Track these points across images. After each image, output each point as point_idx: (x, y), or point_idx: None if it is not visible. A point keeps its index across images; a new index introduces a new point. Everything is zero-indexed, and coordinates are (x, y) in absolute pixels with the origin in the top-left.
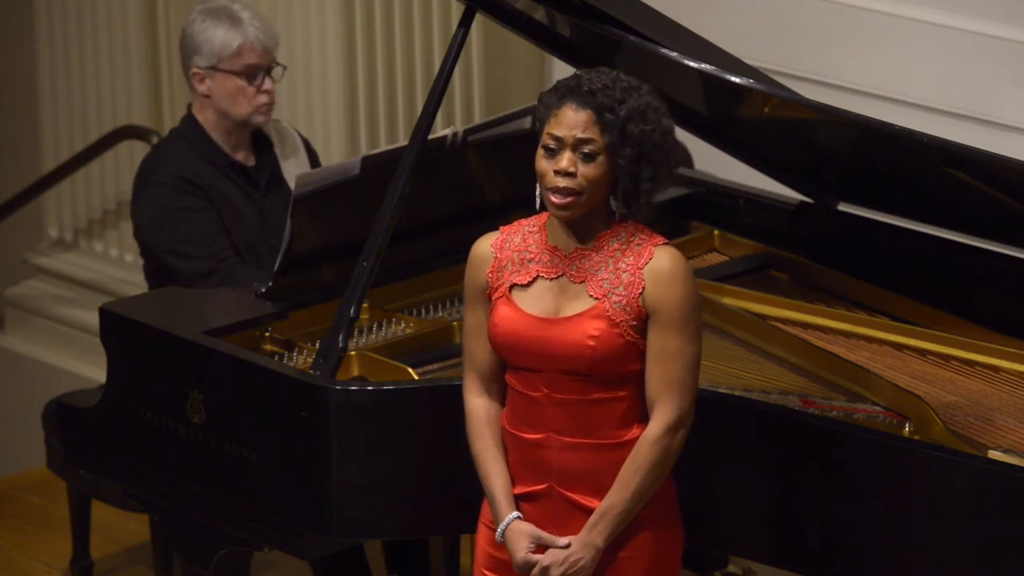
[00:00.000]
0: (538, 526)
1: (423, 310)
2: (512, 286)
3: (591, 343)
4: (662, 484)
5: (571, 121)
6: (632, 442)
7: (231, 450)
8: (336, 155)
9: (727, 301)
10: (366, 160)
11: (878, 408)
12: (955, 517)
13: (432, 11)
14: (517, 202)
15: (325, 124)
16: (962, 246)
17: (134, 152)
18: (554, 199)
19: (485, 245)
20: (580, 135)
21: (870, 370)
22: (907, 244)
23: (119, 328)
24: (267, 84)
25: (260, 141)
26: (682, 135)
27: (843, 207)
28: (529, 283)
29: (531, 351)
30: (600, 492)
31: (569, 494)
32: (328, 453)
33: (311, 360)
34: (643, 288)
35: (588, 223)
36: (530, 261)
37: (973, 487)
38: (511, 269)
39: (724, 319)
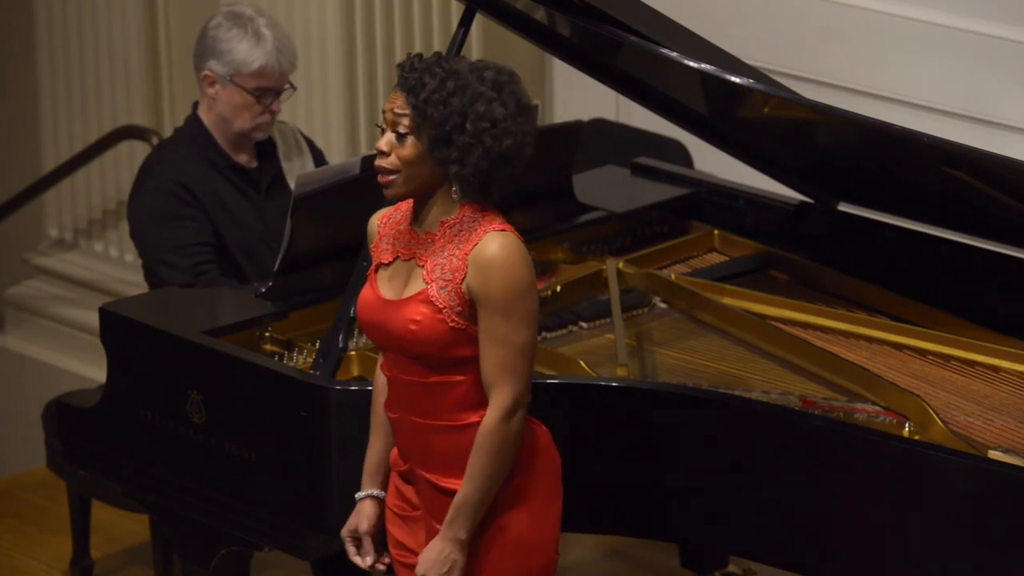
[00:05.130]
0: (414, 507)
1: None
2: (379, 265)
3: (413, 327)
4: (532, 466)
5: (391, 102)
6: (475, 425)
7: (231, 450)
8: (336, 155)
9: (727, 301)
10: (366, 160)
11: (878, 408)
12: (955, 517)
13: (432, 11)
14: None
15: (325, 124)
16: (962, 246)
17: (134, 152)
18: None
19: (375, 220)
20: (396, 111)
21: (870, 370)
22: (907, 244)
23: (119, 328)
24: (275, 105)
25: (264, 144)
26: (683, 135)
27: (843, 207)
28: (390, 263)
29: (375, 331)
30: (455, 473)
31: (426, 475)
32: (328, 453)
33: (311, 360)
34: (465, 274)
35: (430, 207)
36: (395, 240)
37: (973, 487)
38: (383, 247)
39: (724, 319)
